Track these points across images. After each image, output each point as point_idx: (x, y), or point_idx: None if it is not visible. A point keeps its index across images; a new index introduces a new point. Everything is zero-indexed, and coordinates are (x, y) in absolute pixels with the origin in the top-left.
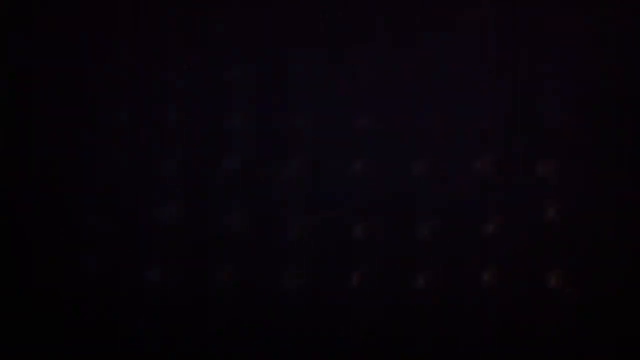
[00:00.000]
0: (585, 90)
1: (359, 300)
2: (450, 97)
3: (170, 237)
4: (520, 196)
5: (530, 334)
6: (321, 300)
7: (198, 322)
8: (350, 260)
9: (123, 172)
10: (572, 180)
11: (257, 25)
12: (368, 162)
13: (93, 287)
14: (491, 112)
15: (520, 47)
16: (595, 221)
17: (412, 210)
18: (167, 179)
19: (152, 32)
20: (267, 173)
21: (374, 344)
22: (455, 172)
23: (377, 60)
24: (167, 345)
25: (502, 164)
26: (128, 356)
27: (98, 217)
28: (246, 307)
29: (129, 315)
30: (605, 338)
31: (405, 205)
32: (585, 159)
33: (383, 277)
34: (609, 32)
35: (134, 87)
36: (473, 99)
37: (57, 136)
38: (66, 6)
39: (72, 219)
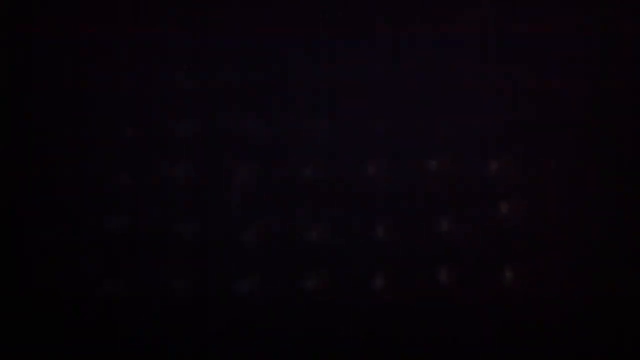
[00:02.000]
0: (585, 90)
1: (325, 302)
2: (449, 97)
3: (171, 240)
4: (522, 195)
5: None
6: (278, 304)
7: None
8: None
9: (123, 173)
10: (572, 180)
11: (256, 26)
12: (362, 164)
13: (92, 287)
14: (490, 112)
15: (520, 47)
16: (595, 221)
17: (412, 208)
18: (165, 179)
19: (152, 32)
20: (281, 175)
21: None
22: (457, 171)
23: (375, 60)
24: (165, 346)
25: (501, 164)
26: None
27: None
28: (205, 311)
29: (127, 316)
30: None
31: (401, 203)
32: (585, 159)
33: (348, 277)
34: (610, 32)
35: (132, 88)
36: (472, 99)
37: (56, 136)
38: (66, 6)
39: (68, 220)
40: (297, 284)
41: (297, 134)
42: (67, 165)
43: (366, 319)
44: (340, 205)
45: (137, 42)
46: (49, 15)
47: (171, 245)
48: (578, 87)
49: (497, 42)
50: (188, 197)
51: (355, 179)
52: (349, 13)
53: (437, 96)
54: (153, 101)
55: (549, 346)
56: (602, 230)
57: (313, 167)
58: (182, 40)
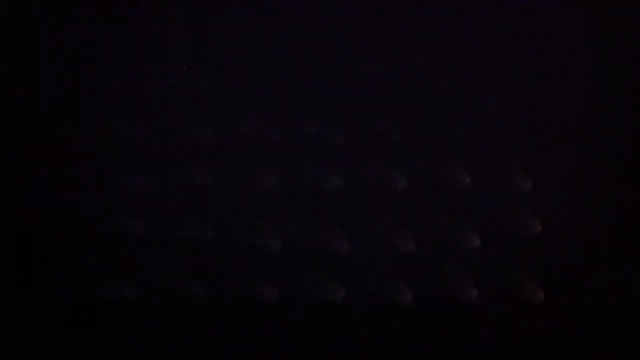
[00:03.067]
0: (585, 91)
1: (341, 311)
2: (449, 99)
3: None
4: (525, 199)
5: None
6: (296, 311)
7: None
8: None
9: (130, 175)
10: (573, 180)
11: (266, 28)
12: (362, 170)
13: (92, 288)
14: (490, 112)
15: (520, 46)
16: (597, 221)
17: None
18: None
19: (155, 33)
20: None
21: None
22: (456, 174)
23: (375, 61)
24: (165, 347)
25: (501, 167)
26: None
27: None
28: (220, 318)
29: (128, 317)
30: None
31: (396, 212)
32: (586, 159)
33: (367, 289)
34: (610, 31)
35: (132, 89)
36: (471, 101)
37: (56, 137)
38: (66, 6)
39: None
40: (297, 284)
41: (306, 138)
42: (68, 165)
43: (366, 319)
44: (352, 210)
45: (143, 43)
46: (49, 15)
47: (178, 248)
48: (578, 87)
49: (497, 42)
50: (198, 200)
51: (365, 182)
52: (351, 14)
53: (440, 97)
54: (162, 102)
55: (549, 346)
56: (604, 230)
57: (321, 171)
58: (191, 41)
